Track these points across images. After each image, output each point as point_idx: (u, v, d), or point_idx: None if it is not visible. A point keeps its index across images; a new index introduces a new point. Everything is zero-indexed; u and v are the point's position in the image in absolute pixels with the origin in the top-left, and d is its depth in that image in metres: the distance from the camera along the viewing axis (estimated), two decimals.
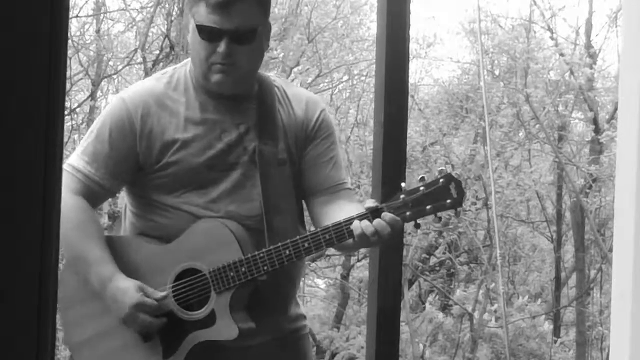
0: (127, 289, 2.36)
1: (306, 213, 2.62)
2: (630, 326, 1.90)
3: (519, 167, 12.18)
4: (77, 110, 11.62)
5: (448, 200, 2.31)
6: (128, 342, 2.44)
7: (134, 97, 2.46)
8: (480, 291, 11.85)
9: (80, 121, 11.67)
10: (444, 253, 12.38)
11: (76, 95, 12.04)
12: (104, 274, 2.39)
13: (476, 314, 11.65)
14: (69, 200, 2.40)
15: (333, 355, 11.00)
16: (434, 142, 12.02)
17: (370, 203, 2.34)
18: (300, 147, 2.51)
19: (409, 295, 11.88)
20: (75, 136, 11.73)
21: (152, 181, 2.45)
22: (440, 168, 2.37)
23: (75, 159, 2.46)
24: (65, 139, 10.40)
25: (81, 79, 11.77)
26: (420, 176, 2.35)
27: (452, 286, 12.79)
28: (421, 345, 11.54)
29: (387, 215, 2.29)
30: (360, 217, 2.31)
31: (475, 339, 11.67)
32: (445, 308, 12.39)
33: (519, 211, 12.61)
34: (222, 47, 2.34)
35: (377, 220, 2.30)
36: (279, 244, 2.34)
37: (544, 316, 11.97)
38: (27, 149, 1.22)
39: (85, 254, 2.41)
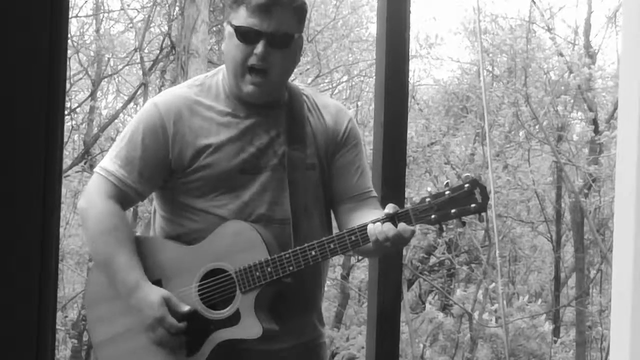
0: (152, 302, 2.41)
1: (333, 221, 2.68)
2: (630, 326, 1.90)
3: (518, 167, 12.18)
4: (77, 110, 11.62)
5: (473, 205, 2.36)
6: (152, 341, 2.47)
7: (166, 103, 2.51)
8: (480, 291, 11.84)
9: (80, 121, 11.66)
10: (443, 253, 12.38)
11: (76, 96, 12.04)
12: (130, 282, 2.43)
13: (476, 314, 11.65)
14: (101, 204, 2.47)
15: (333, 355, 11.00)
16: (434, 142, 12.03)
17: (390, 209, 2.38)
18: (330, 154, 2.57)
19: (409, 296, 11.88)
20: (75, 136, 11.73)
21: (184, 185, 2.50)
22: (466, 174, 2.42)
23: (108, 163, 2.51)
24: (65, 139, 10.40)
25: (81, 78, 11.76)
26: (445, 182, 2.43)
27: (452, 286, 12.78)
28: (421, 345, 11.54)
29: (401, 224, 2.34)
30: (382, 221, 2.36)
31: (475, 339, 11.67)
32: (445, 308, 12.39)
33: (518, 211, 12.61)
34: (259, 48, 2.42)
35: (388, 226, 2.34)
36: (305, 244, 2.39)
37: (544, 316, 11.96)
38: (27, 149, 1.22)
39: (112, 259, 2.45)
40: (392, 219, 2.35)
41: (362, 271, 12.15)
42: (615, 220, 2.01)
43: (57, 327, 9.66)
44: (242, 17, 2.44)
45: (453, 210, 2.36)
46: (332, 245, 2.38)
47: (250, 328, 2.41)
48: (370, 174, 2.69)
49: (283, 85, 2.54)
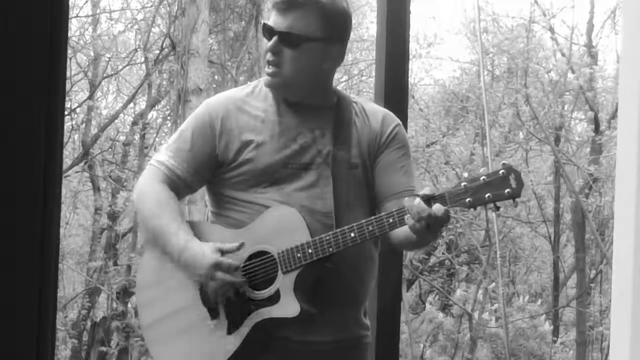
0: (204, 252, 2.52)
1: None
2: (630, 326, 1.90)
3: (518, 167, 12.16)
4: (77, 110, 11.62)
5: (507, 190, 2.42)
6: (195, 320, 2.59)
7: (216, 101, 2.69)
8: (480, 291, 11.85)
9: (81, 121, 11.67)
10: (443, 253, 12.38)
11: (76, 96, 12.05)
12: (181, 242, 2.55)
13: (476, 314, 11.65)
14: (152, 186, 2.63)
15: None
16: (434, 142, 12.03)
17: (427, 191, 2.45)
18: (373, 155, 2.67)
19: (408, 295, 11.89)
20: (76, 136, 11.74)
21: (230, 179, 2.62)
22: (503, 162, 2.48)
23: (160, 155, 2.69)
24: (65, 139, 10.39)
25: (81, 79, 11.77)
26: (482, 169, 2.48)
27: (452, 286, 12.79)
28: (421, 345, 11.55)
29: (435, 205, 2.40)
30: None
31: (475, 339, 11.68)
32: (445, 308, 12.39)
33: (518, 211, 12.61)
34: (270, 43, 2.58)
35: (422, 205, 2.40)
36: (345, 227, 2.48)
37: (544, 316, 11.97)
38: (27, 149, 1.22)
39: (163, 229, 2.58)
40: (427, 201, 2.41)
41: None
42: (615, 220, 2.02)
43: (57, 327, 9.66)
44: (269, 17, 2.62)
45: (488, 195, 2.41)
46: (370, 227, 2.46)
47: (287, 307, 2.49)
48: (415, 176, 2.75)
49: (305, 85, 2.64)
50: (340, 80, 12.52)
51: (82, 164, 11.44)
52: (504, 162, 2.46)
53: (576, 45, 12.29)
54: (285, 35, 2.55)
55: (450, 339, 11.85)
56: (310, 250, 2.48)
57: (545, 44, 12.33)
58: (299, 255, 2.48)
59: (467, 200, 2.41)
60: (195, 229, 2.62)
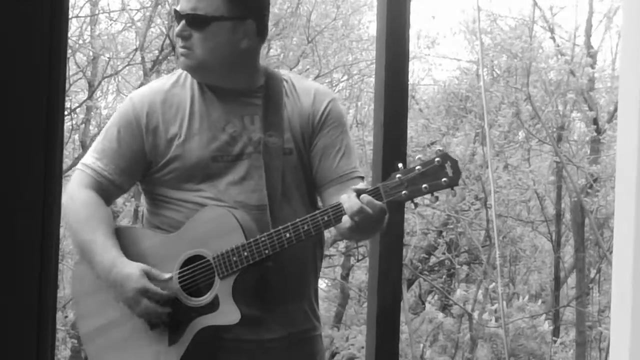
0: (130, 274, 2.41)
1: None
2: (630, 326, 1.90)
3: (518, 167, 12.18)
4: (77, 110, 11.62)
5: (444, 179, 2.31)
6: (135, 331, 2.48)
7: (141, 96, 2.55)
8: (480, 291, 11.85)
9: (80, 121, 11.66)
10: (443, 253, 12.38)
11: (76, 96, 12.04)
12: (107, 261, 2.44)
13: (476, 314, 11.65)
14: (78, 194, 2.50)
15: (333, 355, 11.01)
16: (434, 142, 12.02)
17: (360, 185, 2.36)
18: (308, 137, 2.54)
19: (408, 296, 11.88)
20: (75, 136, 11.73)
21: (162, 177, 2.51)
22: (438, 148, 2.37)
23: (87, 157, 2.56)
24: (65, 139, 10.38)
25: (80, 78, 11.77)
26: (417, 157, 2.36)
27: (452, 286, 12.79)
28: (421, 346, 11.55)
29: (365, 197, 2.30)
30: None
31: (475, 339, 11.67)
32: (445, 308, 12.39)
33: (518, 211, 12.61)
34: (178, 27, 2.49)
35: (354, 200, 2.30)
36: (280, 227, 2.37)
37: (544, 316, 11.97)
38: (27, 149, 1.22)
39: (89, 244, 2.47)
40: (360, 194, 2.32)
41: (362, 271, 12.16)
42: (615, 220, 2.02)
43: (57, 327, 9.65)
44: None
45: (424, 186, 2.31)
46: (305, 227, 2.35)
47: (228, 314, 2.38)
48: (355, 154, 2.62)
49: (222, 67, 2.50)
50: (340, 80, 12.53)
51: None
52: (439, 148, 2.35)
53: (576, 45, 12.30)
54: (192, 17, 2.45)
55: (450, 339, 11.85)
56: (245, 254, 2.36)
57: (545, 44, 12.34)
58: (234, 259, 2.37)
59: (403, 193, 2.31)
60: (128, 236, 2.52)
